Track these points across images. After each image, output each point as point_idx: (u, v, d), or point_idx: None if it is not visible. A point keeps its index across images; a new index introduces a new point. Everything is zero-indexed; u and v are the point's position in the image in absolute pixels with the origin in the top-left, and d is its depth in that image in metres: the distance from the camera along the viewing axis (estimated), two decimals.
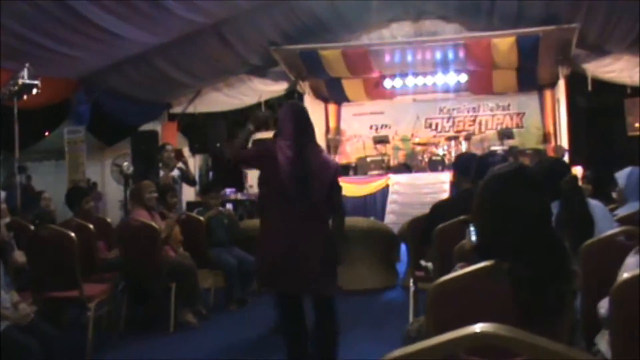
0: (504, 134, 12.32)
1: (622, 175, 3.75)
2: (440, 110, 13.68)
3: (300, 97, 12.62)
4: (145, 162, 8.93)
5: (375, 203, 11.14)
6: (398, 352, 1.13)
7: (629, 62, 10.54)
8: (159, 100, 11.84)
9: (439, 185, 10.72)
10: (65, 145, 10.36)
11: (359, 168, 12.38)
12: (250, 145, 8.69)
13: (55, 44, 7.90)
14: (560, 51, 10.77)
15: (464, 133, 12.75)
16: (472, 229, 2.40)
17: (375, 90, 13.14)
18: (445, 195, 9.86)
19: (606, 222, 3.20)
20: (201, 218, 6.51)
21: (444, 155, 12.05)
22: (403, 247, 7.29)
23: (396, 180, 11.26)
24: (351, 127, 14.04)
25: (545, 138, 12.97)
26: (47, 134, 10.58)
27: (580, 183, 3.81)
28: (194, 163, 11.92)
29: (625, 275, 2.06)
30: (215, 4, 8.84)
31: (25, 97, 7.27)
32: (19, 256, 4.85)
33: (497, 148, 11.40)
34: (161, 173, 7.72)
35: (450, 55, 11.50)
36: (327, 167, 3.88)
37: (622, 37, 9.91)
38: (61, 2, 7.04)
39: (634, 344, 1.95)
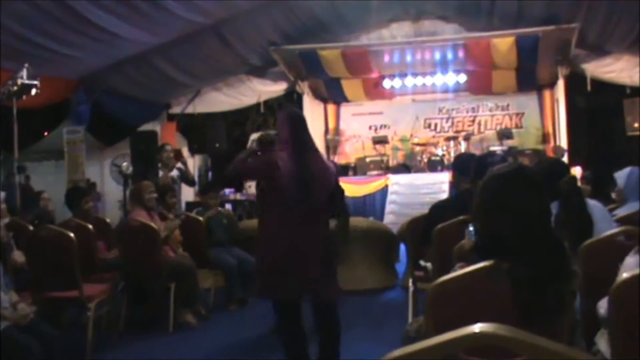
0: (503, 134, 12.32)
1: (621, 176, 3.75)
2: (439, 111, 13.68)
3: (300, 97, 12.63)
4: (144, 162, 8.92)
5: (375, 203, 11.14)
6: (397, 352, 1.13)
7: (629, 62, 10.53)
8: (158, 100, 11.84)
9: (438, 185, 10.72)
10: (65, 145, 10.36)
11: (358, 168, 12.38)
12: (250, 144, 8.70)
13: (54, 44, 7.90)
14: (560, 51, 10.77)
15: (463, 133, 12.74)
16: (471, 229, 2.40)
17: (374, 90, 13.14)
18: (444, 195, 9.86)
19: (605, 222, 3.20)
20: (200, 218, 6.51)
21: (443, 155, 12.04)
22: (402, 247, 7.29)
23: (395, 181, 11.25)
24: (350, 128, 14.04)
25: (545, 138, 12.98)
26: (46, 134, 10.56)
27: (579, 183, 3.81)
28: (193, 163, 11.90)
29: (624, 275, 2.07)
30: (215, 4, 8.84)
31: (24, 97, 7.26)
32: (18, 256, 4.85)
33: (497, 148, 11.39)
34: (160, 173, 7.72)
35: (450, 55, 11.49)
36: (328, 172, 3.89)
37: (621, 37, 9.91)
38: (60, 2, 7.03)
39: (633, 344, 1.96)
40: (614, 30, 9.77)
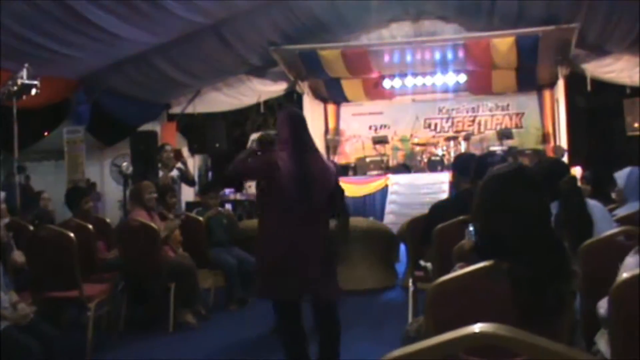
0: (503, 134, 12.32)
1: (621, 176, 3.75)
2: (439, 111, 13.68)
3: (300, 97, 12.63)
4: (144, 162, 8.92)
5: (375, 203, 11.14)
6: (397, 352, 1.13)
7: (629, 62, 10.53)
8: (158, 100, 11.84)
9: (438, 185, 10.72)
10: (65, 145, 10.36)
11: (358, 168, 12.38)
12: (250, 144, 8.70)
13: (54, 44, 7.90)
14: (560, 51, 10.77)
15: (463, 133, 12.74)
16: (471, 229, 2.40)
17: (374, 90, 13.13)
18: (444, 195, 9.86)
19: (605, 222, 3.20)
20: (200, 218, 6.51)
21: (443, 155, 12.04)
22: (402, 247, 7.29)
23: (395, 181, 11.25)
24: (350, 128, 14.04)
25: (545, 138, 12.98)
26: (46, 134, 10.56)
27: (579, 183, 3.81)
28: (193, 163, 11.90)
29: (624, 275, 2.07)
30: (215, 4, 8.84)
31: (24, 97, 7.26)
32: (18, 256, 4.85)
33: (497, 148, 11.39)
34: (160, 173, 7.72)
35: (450, 55, 11.49)
36: (328, 172, 3.89)
37: (621, 37, 9.91)
38: (60, 2, 7.03)
39: (633, 344, 1.96)
40: (614, 30, 9.77)
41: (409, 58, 11.62)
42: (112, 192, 11.64)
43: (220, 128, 12.40)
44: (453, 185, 6.39)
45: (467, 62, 11.68)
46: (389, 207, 10.86)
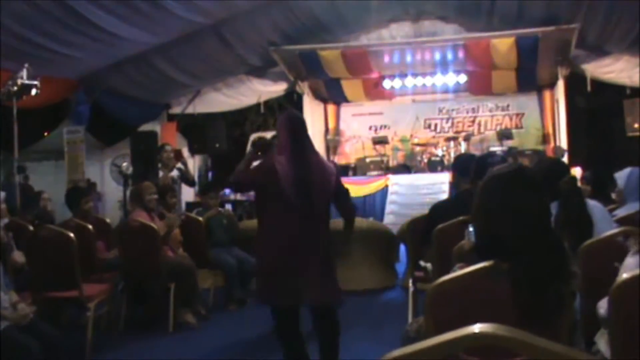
0: (503, 135, 12.31)
1: (621, 176, 3.75)
2: (439, 111, 13.67)
3: (300, 97, 12.63)
4: (144, 163, 8.93)
5: (375, 203, 11.14)
6: (397, 353, 1.14)
7: (629, 62, 10.53)
8: (158, 100, 11.84)
9: (438, 185, 10.72)
10: (65, 145, 10.35)
11: (358, 169, 12.38)
12: (249, 147, 8.71)
13: (54, 44, 7.90)
14: (560, 52, 10.77)
15: (463, 134, 12.73)
16: (471, 229, 2.40)
17: (374, 90, 13.13)
18: (444, 195, 9.86)
19: (605, 223, 3.20)
20: (200, 218, 6.52)
21: (443, 155, 12.04)
22: (402, 247, 7.29)
23: (395, 181, 11.25)
24: (350, 128, 14.04)
25: (545, 139, 12.97)
26: (46, 134, 10.56)
27: (579, 184, 3.81)
28: (193, 163, 11.90)
29: (624, 275, 2.07)
30: (215, 4, 8.84)
31: (24, 97, 7.27)
32: (18, 256, 4.85)
33: (497, 149, 11.39)
34: (160, 173, 7.73)
35: (450, 55, 11.49)
36: (328, 175, 3.86)
37: (621, 37, 9.91)
38: (60, 2, 7.03)
39: (633, 344, 1.96)
40: (614, 30, 9.76)
41: (409, 58, 11.62)
42: (112, 192, 11.64)
43: (220, 128, 12.40)
44: (453, 185, 6.40)
45: (467, 62, 11.69)
46: (389, 208, 10.86)
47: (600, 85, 11.31)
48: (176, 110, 12.42)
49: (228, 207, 9.80)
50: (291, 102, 12.48)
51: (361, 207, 10.85)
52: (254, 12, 9.85)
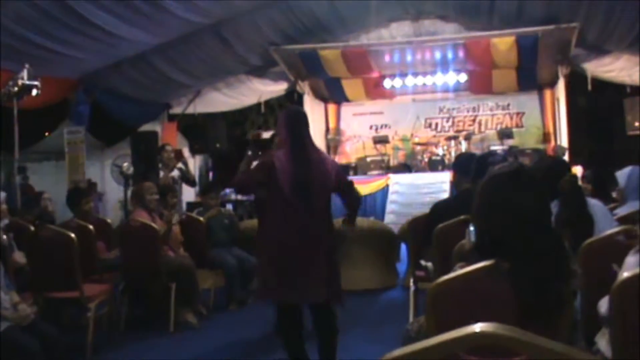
0: (504, 134, 12.31)
1: (622, 175, 3.75)
2: (440, 110, 13.67)
3: (300, 97, 12.62)
4: (145, 163, 8.93)
5: (375, 203, 11.13)
6: (398, 352, 1.14)
7: (629, 61, 10.52)
8: (158, 100, 11.83)
9: (438, 185, 10.71)
10: (65, 145, 10.35)
11: (359, 168, 12.38)
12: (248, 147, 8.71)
13: (54, 44, 7.90)
14: (560, 51, 10.76)
15: (463, 133, 12.74)
16: (471, 228, 2.40)
17: (374, 90, 13.13)
18: (445, 195, 9.86)
19: (606, 222, 3.20)
20: (201, 218, 6.52)
21: (444, 155, 12.04)
22: (403, 247, 7.29)
23: (396, 180, 11.25)
24: (351, 127, 14.03)
25: (545, 138, 12.96)
26: (47, 134, 10.56)
27: (580, 182, 3.81)
28: (194, 163, 11.91)
29: (625, 274, 2.07)
30: (215, 4, 8.83)
31: (24, 97, 7.27)
32: (19, 257, 4.86)
33: (497, 148, 11.39)
34: (161, 173, 7.74)
35: (450, 55, 11.48)
36: (327, 171, 3.86)
37: (621, 36, 9.90)
38: (60, 2, 7.04)
39: (633, 343, 1.95)
40: (614, 29, 9.76)
41: (409, 58, 11.62)
42: (112, 192, 11.64)
43: (220, 128, 12.41)
44: (454, 184, 6.40)
45: (467, 61, 11.68)
46: (389, 207, 10.86)
47: (601, 84, 11.30)
48: (177, 110, 12.42)
49: (229, 207, 9.81)
50: (291, 102, 12.47)
51: (362, 207, 10.85)
52: (254, 12, 9.85)
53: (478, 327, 1.11)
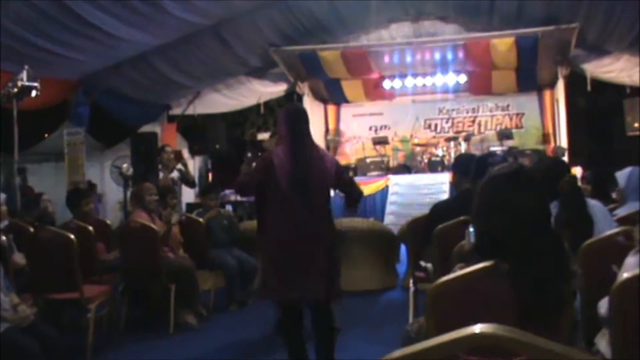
0: (504, 135, 12.32)
1: (622, 175, 3.74)
2: (439, 111, 13.68)
3: (300, 98, 12.63)
4: (144, 164, 8.93)
5: (375, 204, 11.13)
6: (398, 353, 1.14)
7: (629, 62, 10.53)
8: (158, 101, 11.84)
9: (438, 186, 10.72)
10: (65, 146, 10.35)
11: (359, 169, 12.38)
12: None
13: (54, 45, 7.90)
14: (560, 51, 10.77)
15: (463, 134, 12.74)
16: (471, 229, 2.40)
17: (374, 91, 13.14)
18: (444, 196, 9.86)
19: (606, 222, 3.20)
20: (201, 219, 6.52)
21: (444, 156, 12.05)
22: (403, 247, 7.29)
23: (396, 181, 11.25)
24: (350, 128, 14.04)
25: (545, 138, 12.97)
26: (46, 135, 10.56)
27: (579, 183, 3.81)
28: (194, 164, 11.91)
29: (625, 275, 2.07)
30: (214, 5, 8.84)
31: (24, 99, 7.26)
32: (19, 258, 4.86)
33: (497, 148, 11.40)
34: (161, 174, 7.73)
35: (450, 55, 11.49)
36: (326, 167, 3.88)
37: (621, 36, 9.91)
38: (59, 3, 7.04)
39: (633, 343, 1.95)
40: (614, 30, 9.76)
41: (408, 59, 11.62)
42: (112, 193, 11.65)
43: (220, 129, 12.40)
44: (453, 185, 6.39)
45: (467, 62, 11.69)
46: (389, 208, 10.86)
47: (601, 85, 11.31)
48: (176, 111, 12.43)
49: (228, 208, 9.80)
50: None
51: (362, 208, 10.85)
52: (254, 13, 9.85)
53: (478, 327, 1.11)
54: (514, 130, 12.86)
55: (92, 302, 4.94)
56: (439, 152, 12.25)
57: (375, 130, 13.74)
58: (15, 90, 7.08)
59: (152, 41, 9.24)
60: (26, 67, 7.06)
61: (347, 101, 13.85)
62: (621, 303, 2.00)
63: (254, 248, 6.60)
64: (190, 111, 12.41)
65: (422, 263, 4.55)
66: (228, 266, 6.41)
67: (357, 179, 11.51)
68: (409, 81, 12.42)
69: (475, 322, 1.13)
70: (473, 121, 13.56)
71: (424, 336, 1.98)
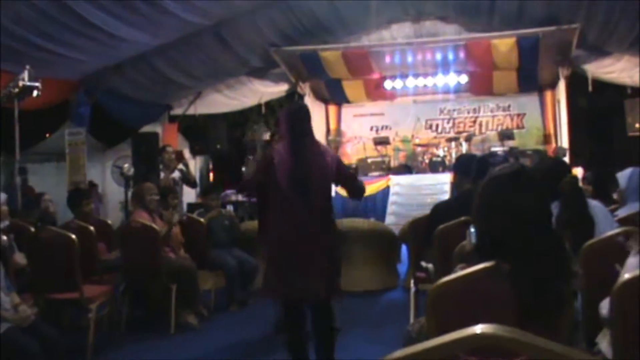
0: (505, 135, 12.32)
1: (623, 176, 3.74)
2: (440, 112, 13.69)
3: (301, 98, 12.62)
4: (145, 164, 8.93)
5: (376, 204, 11.13)
6: (398, 353, 1.14)
7: (629, 62, 10.53)
8: (159, 101, 11.84)
9: (439, 186, 10.72)
10: (66, 146, 10.36)
11: (360, 169, 12.36)
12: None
13: (54, 45, 7.90)
14: (561, 52, 10.76)
15: (464, 134, 12.75)
16: (472, 230, 2.40)
17: (375, 91, 13.14)
18: (446, 196, 9.86)
19: (606, 223, 3.20)
20: (202, 219, 6.52)
21: (445, 156, 12.05)
22: (404, 248, 7.29)
23: (397, 181, 11.25)
24: (351, 129, 14.04)
25: (546, 139, 12.97)
26: (47, 135, 10.56)
27: (580, 184, 3.81)
28: (195, 165, 11.92)
29: (626, 275, 2.07)
30: (214, 5, 8.83)
31: (25, 98, 7.27)
32: (20, 258, 4.86)
33: (498, 149, 11.40)
34: (162, 175, 7.73)
35: (451, 56, 11.49)
36: (326, 164, 3.87)
37: (622, 37, 9.90)
38: (60, 3, 7.04)
39: (634, 344, 1.95)
40: (615, 30, 9.76)
41: (409, 59, 11.63)
42: (113, 193, 11.66)
43: (221, 129, 12.41)
44: (454, 186, 6.40)
45: (468, 62, 11.69)
46: (390, 208, 10.86)
47: (601, 85, 11.31)
48: (177, 111, 12.43)
49: (229, 208, 9.81)
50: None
51: (362, 208, 10.85)
52: (254, 13, 9.85)
53: (479, 328, 1.11)
54: (515, 131, 12.87)
55: (93, 302, 4.94)
56: (440, 152, 12.26)
57: (377, 131, 13.75)
58: (17, 90, 7.08)
59: (153, 41, 9.24)
60: (27, 67, 7.06)
61: (348, 101, 13.86)
62: (622, 304, 2.00)
63: (254, 248, 6.61)
64: (191, 111, 12.41)
65: (423, 263, 4.55)
66: (228, 266, 6.42)
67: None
68: (410, 81, 12.42)
69: (476, 322, 1.13)
70: (474, 121, 13.56)
71: (424, 336, 1.98)
